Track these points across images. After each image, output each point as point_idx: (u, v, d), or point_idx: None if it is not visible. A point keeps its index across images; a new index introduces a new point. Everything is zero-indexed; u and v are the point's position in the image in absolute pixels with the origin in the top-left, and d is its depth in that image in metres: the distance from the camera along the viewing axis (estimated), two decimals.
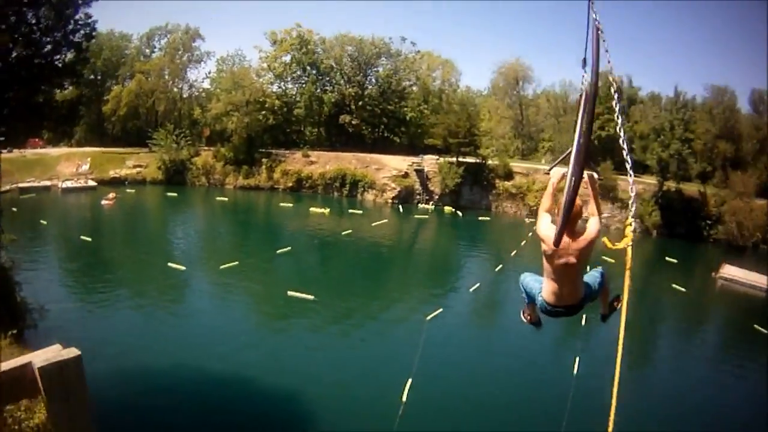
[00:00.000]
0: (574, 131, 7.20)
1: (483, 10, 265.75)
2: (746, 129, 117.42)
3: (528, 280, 9.41)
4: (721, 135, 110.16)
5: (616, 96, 7.55)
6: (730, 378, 40.02)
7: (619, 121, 7.67)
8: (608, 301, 9.10)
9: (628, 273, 7.14)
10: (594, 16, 6.68)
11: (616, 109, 7.44)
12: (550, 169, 8.29)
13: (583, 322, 40.44)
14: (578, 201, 7.22)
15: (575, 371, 32.51)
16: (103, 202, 78.10)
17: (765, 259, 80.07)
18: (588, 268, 8.47)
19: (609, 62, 7.15)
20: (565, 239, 7.41)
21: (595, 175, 8.11)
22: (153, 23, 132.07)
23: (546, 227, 7.73)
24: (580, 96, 7.31)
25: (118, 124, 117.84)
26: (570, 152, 7.22)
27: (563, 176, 7.67)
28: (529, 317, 9.78)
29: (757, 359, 44.74)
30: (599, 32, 6.67)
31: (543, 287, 8.41)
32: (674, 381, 37.55)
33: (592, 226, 7.69)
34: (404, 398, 27.68)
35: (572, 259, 7.62)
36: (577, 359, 33.85)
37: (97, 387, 26.18)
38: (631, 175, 7.56)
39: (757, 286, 64.56)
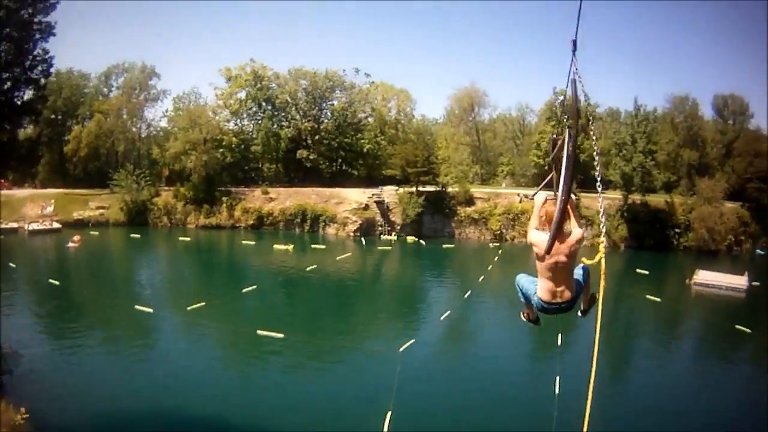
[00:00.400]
0: (559, 163, 8.85)
1: (435, 37, 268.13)
2: (711, 135, 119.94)
3: (523, 281, 10.15)
4: (684, 143, 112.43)
5: (594, 135, 8.80)
6: (719, 380, 40.49)
7: (597, 159, 8.88)
8: (588, 297, 9.98)
9: (603, 276, 8.33)
10: (575, 69, 7.70)
11: (595, 145, 8.78)
12: (533, 195, 9.73)
13: (559, 342, 40.71)
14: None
15: (556, 391, 32.37)
16: (69, 244, 77.94)
17: (739, 261, 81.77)
18: None
19: (587, 103, 8.34)
20: (556, 243, 8.56)
21: (573, 197, 9.13)
22: (110, 61, 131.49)
23: (537, 235, 8.99)
24: (563, 138, 8.88)
25: (79, 165, 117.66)
26: (551, 178, 9.88)
27: (546, 200, 9.32)
28: (527, 316, 10.62)
29: (746, 359, 46.30)
30: (581, 85, 8.00)
31: (538, 287, 9.28)
32: (663, 389, 37.49)
33: (576, 231, 8.90)
34: (385, 430, 27.56)
35: (563, 258, 8.70)
36: (557, 378, 33.66)
37: None
38: (599, 188, 9.02)
39: (736, 287, 65.61)
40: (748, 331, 48.81)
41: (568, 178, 8.23)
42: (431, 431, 30.18)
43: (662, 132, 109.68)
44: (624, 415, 31.87)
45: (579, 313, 9.98)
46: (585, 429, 9.33)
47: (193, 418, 30.11)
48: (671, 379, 39.89)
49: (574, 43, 7.60)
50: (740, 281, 66.99)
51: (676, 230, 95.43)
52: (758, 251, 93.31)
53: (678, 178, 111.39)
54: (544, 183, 10.88)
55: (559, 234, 8.56)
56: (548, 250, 8.57)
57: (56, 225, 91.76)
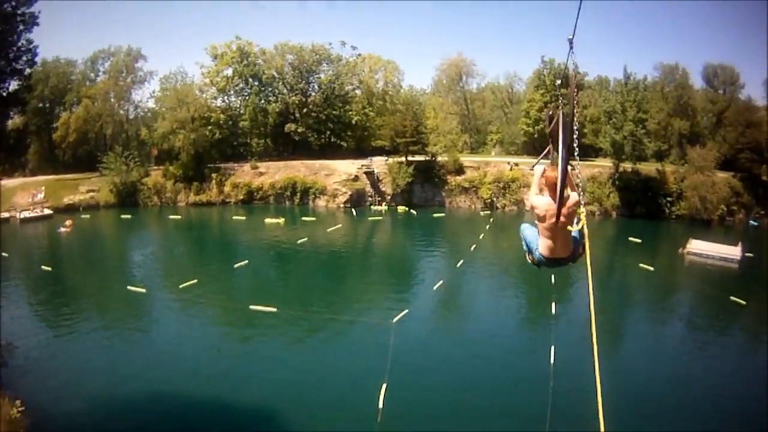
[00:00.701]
0: (555, 137, 9.99)
1: (421, 7, 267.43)
2: (701, 104, 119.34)
3: (527, 233, 11.54)
4: (674, 112, 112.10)
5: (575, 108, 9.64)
6: (717, 352, 40.36)
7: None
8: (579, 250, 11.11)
9: (586, 242, 9.84)
10: (573, 60, 8.74)
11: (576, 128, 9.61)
12: (533, 167, 11.05)
13: (554, 311, 41.61)
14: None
15: (552, 360, 32.73)
16: (61, 229, 77.52)
17: (732, 231, 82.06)
18: None
19: (575, 70, 9.12)
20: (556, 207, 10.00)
21: (569, 168, 10.27)
22: (96, 47, 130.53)
23: (537, 199, 10.53)
24: (559, 115, 9.99)
25: (68, 150, 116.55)
26: (548, 151, 10.96)
27: (544, 171, 10.57)
28: (531, 260, 11.62)
29: (744, 331, 46.46)
30: (576, 74, 8.84)
31: (539, 244, 10.70)
32: (660, 360, 37.60)
33: (574, 196, 10.24)
34: (381, 404, 27.80)
35: (562, 219, 9.98)
36: (552, 348, 34.03)
37: (74, 424, 26.49)
38: (577, 165, 10.12)
39: (729, 258, 65.31)
40: (744, 302, 48.73)
41: (566, 150, 9.60)
42: (425, 403, 30.08)
43: (652, 101, 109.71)
44: (620, 386, 30.98)
45: (571, 260, 11.08)
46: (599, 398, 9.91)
47: (191, 400, 30.33)
48: (669, 350, 40.09)
49: (571, 42, 8.48)
50: (734, 252, 66.77)
51: (668, 199, 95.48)
52: (751, 222, 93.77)
53: (669, 146, 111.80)
54: (542, 155, 12.00)
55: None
56: (557, 218, 9.88)
57: (47, 211, 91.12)
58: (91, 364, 34.49)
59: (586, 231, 9.99)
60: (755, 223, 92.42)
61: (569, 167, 10.34)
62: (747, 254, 66.29)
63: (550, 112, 10.99)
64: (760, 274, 61.47)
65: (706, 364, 37.70)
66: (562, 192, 9.73)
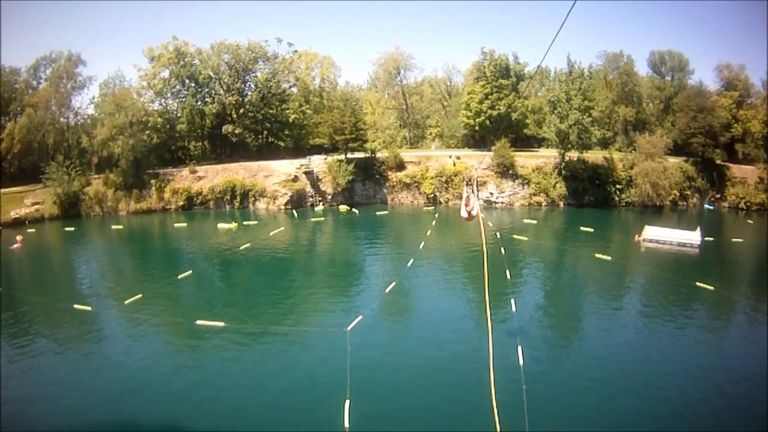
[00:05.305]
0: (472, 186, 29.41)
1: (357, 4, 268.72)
2: (647, 91, 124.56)
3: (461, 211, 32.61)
4: (619, 99, 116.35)
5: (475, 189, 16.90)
6: (694, 337, 41.04)
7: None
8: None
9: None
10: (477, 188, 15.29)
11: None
12: (466, 184, 24.39)
13: (513, 307, 43.32)
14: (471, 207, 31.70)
15: (521, 361, 33.19)
16: (13, 246, 76.33)
17: (686, 216, 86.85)
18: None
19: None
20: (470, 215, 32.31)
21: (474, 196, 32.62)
22: (39, 53, 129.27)
23: (462, 212, 32.18)
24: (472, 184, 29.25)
25: (14, 162, 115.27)
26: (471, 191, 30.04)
27: (467, 197, 32.48)
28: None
29: (719, 314, 46.93)
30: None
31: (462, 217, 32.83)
32: (644, 354, 37.67)
33: (476, 209, 31.85)
34: (347, 424, 27.24)
35: (474, 219, 32.48)
36: (520, 348, 34.62)
37: None
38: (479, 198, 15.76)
39: (688, 243, 67.11)
40: (711, 288, 49.97)
41: (477, 193, 22.95)
42: (394, 420, 29.07)
43: (596, 89, 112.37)
44: (598, 377, 33.18)
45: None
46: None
47: (139, 420, 29.88)
48: (646, 340, 40.45)
49: (473, 181, 15.13)
50: (693, 237, 68.40)
51: (618, 186, 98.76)
52: (707, 206, 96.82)
53: (614, 134, 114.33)
54: (466, 195, 30.99)
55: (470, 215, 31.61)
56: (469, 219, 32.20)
57: None
58: (47, 397, 32.84)
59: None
60: (711, 207, 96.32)
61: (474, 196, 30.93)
62: (706, 238, 68.13)
63: (468, 180, 20.22)
64: (722, 257, 63.79)
65: (691, 353, 38.06)
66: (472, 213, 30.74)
